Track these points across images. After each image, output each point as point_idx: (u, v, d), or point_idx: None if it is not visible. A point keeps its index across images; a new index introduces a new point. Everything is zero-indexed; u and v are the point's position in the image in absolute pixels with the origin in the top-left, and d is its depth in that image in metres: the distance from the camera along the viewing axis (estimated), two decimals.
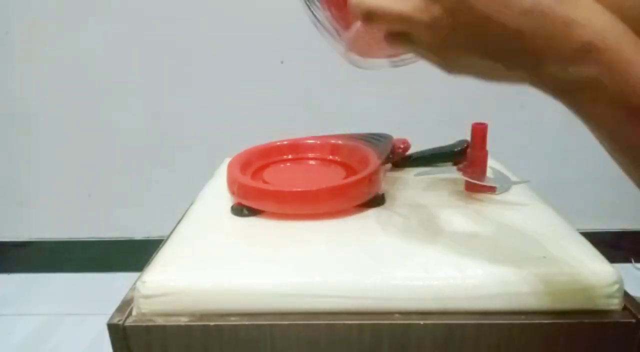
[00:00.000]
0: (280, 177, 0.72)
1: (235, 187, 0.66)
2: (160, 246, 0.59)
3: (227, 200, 0.67)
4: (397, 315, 0.49)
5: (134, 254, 1.34)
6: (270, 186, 0.68)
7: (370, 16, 0.33)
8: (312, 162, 0.78)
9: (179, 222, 0.65)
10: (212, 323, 0.48)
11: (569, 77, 0.32)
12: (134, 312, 0.50)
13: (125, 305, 0.51)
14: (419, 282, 0.50)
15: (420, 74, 1.33)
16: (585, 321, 0.48)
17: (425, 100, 1.33)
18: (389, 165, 0.80)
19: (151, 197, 1.48)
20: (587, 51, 0.31)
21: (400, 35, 0.34)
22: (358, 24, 0.37)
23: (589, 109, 0.33)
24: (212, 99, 1.38)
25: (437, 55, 0.34)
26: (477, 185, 0.69)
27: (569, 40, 0.31)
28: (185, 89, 1.38)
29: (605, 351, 0.49)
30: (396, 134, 0.81)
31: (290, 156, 0.79)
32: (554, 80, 0.32)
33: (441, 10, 0.31)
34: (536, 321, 0.48)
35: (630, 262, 1.47)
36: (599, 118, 0.33)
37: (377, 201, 0.66)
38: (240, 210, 0.64)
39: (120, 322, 0.49)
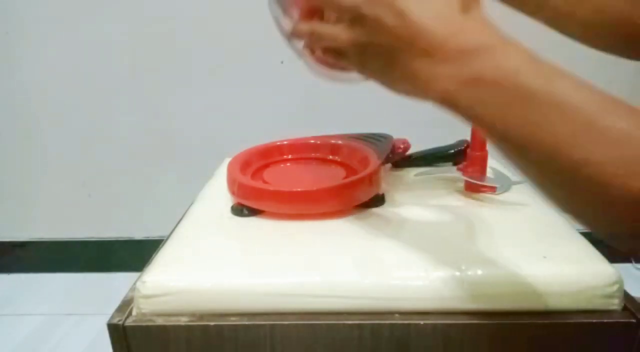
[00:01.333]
0: (280, 177, 0.72)
1: (235, 187, 0.66)
2: (160, 246, 0.59)
3: (227, 200, 0.67)
4: (397, 315, 0.49)
5: (134, 254, 1.34)
6: (270, 186, 0.68)
7: (309, 36, 0.42)
8: (312, 162, 0.78)
9: (179, 222, 0.65)
10: (212, 323, 0.48)
11: (459, 73, 0.34)
12: (134, 312, 0.50)
13: (125, 305, 0.51)
14: (419, 282, 0.49)
15: None
16: (585, 321, 0.48)
17: None
18: (389, 165, 0.80)
19: (151, 197, 1.48)
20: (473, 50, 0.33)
21: (333, 50, 0.41)
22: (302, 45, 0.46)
23: (480, 106, 0.34)
24: (212, 99, 1.38)
25: (359, 65, 0.40)
26: (477, 185, 0.69)
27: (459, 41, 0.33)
28: (186, 88, 1.38)
29: (605, 351, 0.49)
30: (396, 134, 0.80)
31: (290, 156, 0.79)
32: (448, 79, 0.34)
33: (359, 31, 0.37)
34: (536, 321, 0.48)
35: (630, 262, 1.47)
36: (492, 113, 0.34)
37: (377, 201, 0.66)
38: (240, 210, 0.64)
39: (120, 322, 0.49)
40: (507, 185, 0.70)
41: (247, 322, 0.48)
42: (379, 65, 0.38)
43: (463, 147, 0.76)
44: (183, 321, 0.49)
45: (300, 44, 0.46)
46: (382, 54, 0.36)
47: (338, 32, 0.38)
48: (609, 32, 0.50)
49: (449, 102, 0.35)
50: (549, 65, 0.33)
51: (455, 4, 0.35)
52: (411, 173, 0.76)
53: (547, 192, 0.35)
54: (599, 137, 0.30)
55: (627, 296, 0.51)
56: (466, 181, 0.69)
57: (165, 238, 0.61)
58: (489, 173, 0.72)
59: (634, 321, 0.48)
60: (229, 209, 0.65)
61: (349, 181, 0.66)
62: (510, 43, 0.34)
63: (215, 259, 0.54)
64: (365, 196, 0.65)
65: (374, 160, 0.69)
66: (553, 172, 0.32)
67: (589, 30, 0.51)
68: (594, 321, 0.48)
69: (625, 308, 0.50)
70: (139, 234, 1.52)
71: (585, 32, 0.51)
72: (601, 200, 0.31)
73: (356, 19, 0.36)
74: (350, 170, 0.73)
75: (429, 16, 0.34)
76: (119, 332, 0.49)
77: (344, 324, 0.48)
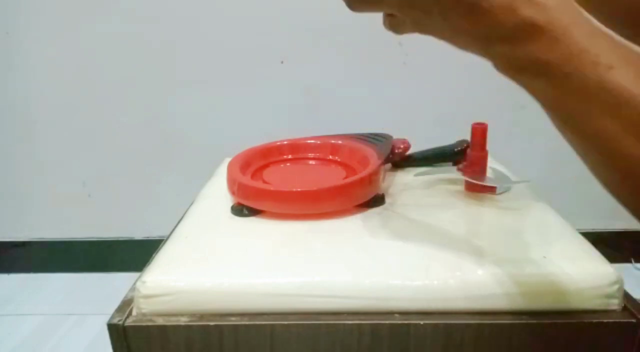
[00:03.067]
0: (280, 177, 0.72)
1: (235, 187, 0.66)
2: (160, 246, 0.59)
3: (227, 200, 0.67)
4: (397, 315, 0.49)
5: (134, 254, 1.34)
6: (270, 185, 0.68)
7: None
8: (312, 162, 0.78)
9: (179, 222, 0.65)
10: (212, 323, 0.48)
11: (514, 55, 0.32)
12: (134, 312, 0.50)
13: (125, 305, 0.51)
14: (419, 282, 0.49)
15: (420, 74, 1.34)
16: (585, 321, 0.48)
17: (425, 100, 1.33)
18: (389, 165, 0.80)
19: (151, 197, 1.48)
20: (529, 29, 0.30)
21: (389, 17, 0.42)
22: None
23: (540, 93, 0.33)
24: (212, 99, 1.38)
25: (415, 27, 0.39)
26: (477, 185, 0.69)
27: (511, 16, 0.30)
28: (186, 89, 1.38)
29: (605, 351, 0.49)
30: (396, 134, 0.81)
31: (290, 156, 0.79)
32: (504, 59, 0.33)
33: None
34: (536, 321, 0.48)
35: (630, 262, 1.47)
36: (551, 103, 0.33)
37: (377, 201, 0.66)
38: (240, 210, 0.64)
39: (120, 322, 0.49)
40: (507, 185, 0.70)
41: (247, 322, 0.48)
42: (431, 23, 0.36)
43: (463, 147, 0.76)
44: (183, 321, 0.49)
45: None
46: (431, 12, 0.34)
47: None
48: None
49: (508, 72, 0.34)
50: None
51: None
52: (411, 173, 0.76)
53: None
54: None
55: (627, 296, 0.51)
56: (466, 181, 0.69)
57: (165, 238, 0.61)
58: (489, 173, 0.72)
59: (634, 321, 0.48)
60: (229, 209, 0.65)
61: (349, 181, 0.66)
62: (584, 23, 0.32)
63: (215, 259, 0.54)
64: (365, 196, 0.65)
65: (374, 160, 0.69)
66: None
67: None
68: (594, 321, 0.48)
69: (625, 308, 0.50)
70: (139, 234, 1.52)
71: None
72: None
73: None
74: (350, 170, 0.73)
75: None
76: (119, 332, 0.48)
77: (344, 324, 0.48)
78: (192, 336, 0.49)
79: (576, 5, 0.32)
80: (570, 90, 0.31)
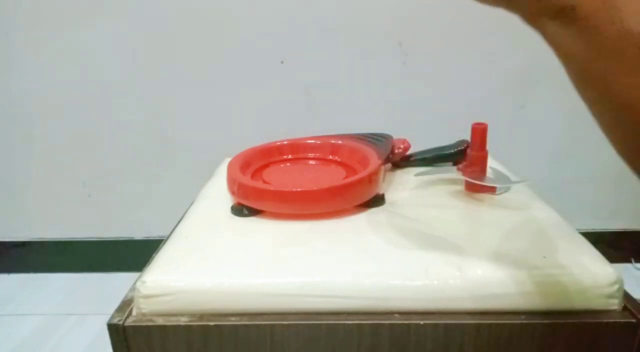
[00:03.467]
0: (280, 177, 0.72)
1: (235, 187, 0.66)
2: (160, 246, 0.59)
3: (227, 200, 0.67)
4: (397, 315, 0.49)
5: (134, 254, 1.34)
6: (270, 185, 0.68)
7: None
8: (312, 162, 0.78)
9: (179, 222, 0.65)
10: (212, 323, 0.48)
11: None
12: (134, 312, 0.50)
13: (125, 305, 0.51)
14: (419, 282, 0.49)
15: (420, 74, 1.34)
16: (585, 321, 0.48)
17: (425, 100, 1.33)
18: (389, 165, 0.80)
19: (151, 197, 1.48)
20: None
21: None
22: None
23: (566, 42, 0.32)
24: (212, 99, 1.38)
25: None
26: (477, 185, 0.69)
27: None
28: (185, 88, 1.38)
29: (605, 351, 0.49)
30: (396, 134, 0.81)
31: (290, 156, 0.79)
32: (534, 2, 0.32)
33: None
34: (536, 321, 0.48)
35: (630, 262, 1.47)
36: (576, 55, 0.32)
37: (377, 201, 0.66)
38: (240, 210, 0.64)
39: (120, 322, 0.49)
40: (507, 185, 0.70)
41: (247, 322, 0.49)
42: None
43: (463, 147, 0.76)
44: (183, 321, 0.49)
45: None
46: None
47: None
48: None
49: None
50: None
51: None
52: (411, 173, 0.76)
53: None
54: None
55: (627, 296, 0.51)
56: (466, 181, 0.69)
57: (165, 238, 0.61)
58: (489, 173, 0.72)
59: (634, 321, 0.48)
60: (229, 209, 0.65)
61: (349, 181, 0.66)
62: None
63: (215, 259, 0.54)
64: (365, 196, 0.65)
65: (374, 160, 0.69)
66: None
67: None
68: (594, 321, 0.48)
69: (625, 308, 0.50)
70: (139, 234, 1.52)
71: None
72: None
73: None
74: (350, 170, 0.73)
75: None
76: (119, 332, 0.49)
77: (344, 324, 0.48)
78: (192, 336, 0.49)
79: None
80: (598, 43, 0.31)
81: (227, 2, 1.30)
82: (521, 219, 0.62)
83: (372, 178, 0.65)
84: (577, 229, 0.59)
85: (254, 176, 0.72)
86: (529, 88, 1.29)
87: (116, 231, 1.53)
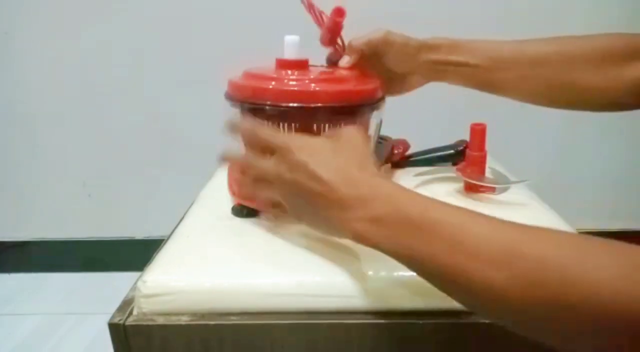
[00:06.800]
0: None
1: (236, 187, 0.66)
2: (161, 245, 0.59)
3: (227, 200, 0.67)
4: (397, 314, 0.49)
5: (134, 254, 1.34)
6: None
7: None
8: None
9: (179, 222, 0.66)
10: (212, 323, 0.49)
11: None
12: (134, 312, 0.50)
13: (126, 305, 0.51)
14: (419, 282, 0.49)
15: None
16: None
17: (424, 100, 1.32)
18: (388, 166, 0.80)
19: (151, 197, 1.49)
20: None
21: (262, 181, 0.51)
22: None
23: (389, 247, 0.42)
24: (212, 99, 1.38)
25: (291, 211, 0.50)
26: (476, 185, 0.69)
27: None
28: (186, 89, 1.38)
29: None
30: (396, 134, 0.81)
31: None
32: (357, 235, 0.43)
33: (286, 190, 0.47)
34: None
35: None
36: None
37: None
38: (240, 210, 0.64)
39: (121, 322, 0.49)
40: (506, 185, 0.70)
41: (247, 322, 0.49)
42: (306, 212, 0.48)
43: (462, 148, 0.76)
44: (183, 320, 0.49)
45: None
46: (306, 205, 0.46)
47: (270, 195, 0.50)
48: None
49: (362, 239, 0.43)
50: (431, 200, 0.41)
51: (353, 165, 0.45)
52: (411, 173, 0.77)
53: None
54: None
55: None
56: (465, 181, 0.69)
57: (165, 238, 0.61)
58: (488, 173, 0.72)
59: None
60: (229, 209, 0.65)
61: None
62: (399, 189, 0.43)
63: (216, 259, 0.54)
64: None
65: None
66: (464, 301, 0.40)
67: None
68: None
69: None
70: (139, 234, 1.52)
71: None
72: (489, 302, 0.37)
73: (280, 182, 0.47)
74: None
75: (335, 176, 0.43)
76: (119, 332, 0.49)
77: (344, 324, 0.48)
78: (193, 335, 0.49)
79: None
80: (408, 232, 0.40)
81: (227, 2, 1.30)
82: (520, 219, 0.61)
83: None
84: (577, 229, 0.60)
85: None
86: None
87: (116, 231, 1.53)
